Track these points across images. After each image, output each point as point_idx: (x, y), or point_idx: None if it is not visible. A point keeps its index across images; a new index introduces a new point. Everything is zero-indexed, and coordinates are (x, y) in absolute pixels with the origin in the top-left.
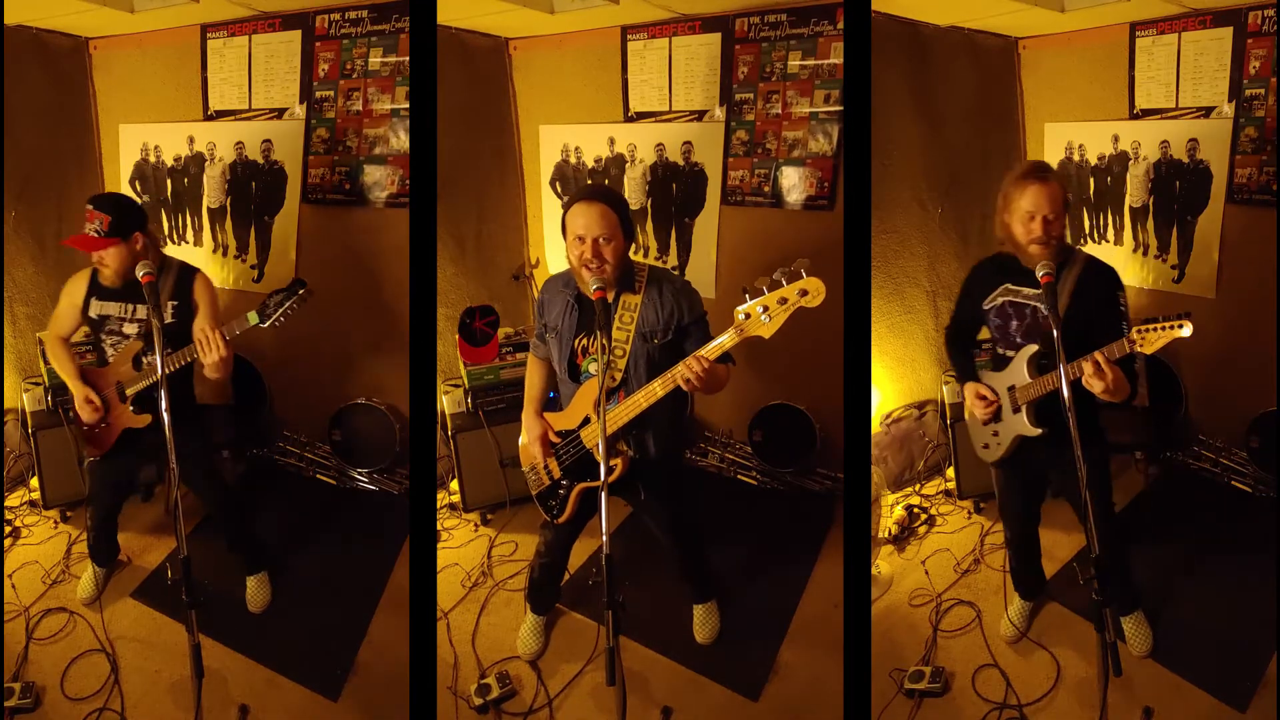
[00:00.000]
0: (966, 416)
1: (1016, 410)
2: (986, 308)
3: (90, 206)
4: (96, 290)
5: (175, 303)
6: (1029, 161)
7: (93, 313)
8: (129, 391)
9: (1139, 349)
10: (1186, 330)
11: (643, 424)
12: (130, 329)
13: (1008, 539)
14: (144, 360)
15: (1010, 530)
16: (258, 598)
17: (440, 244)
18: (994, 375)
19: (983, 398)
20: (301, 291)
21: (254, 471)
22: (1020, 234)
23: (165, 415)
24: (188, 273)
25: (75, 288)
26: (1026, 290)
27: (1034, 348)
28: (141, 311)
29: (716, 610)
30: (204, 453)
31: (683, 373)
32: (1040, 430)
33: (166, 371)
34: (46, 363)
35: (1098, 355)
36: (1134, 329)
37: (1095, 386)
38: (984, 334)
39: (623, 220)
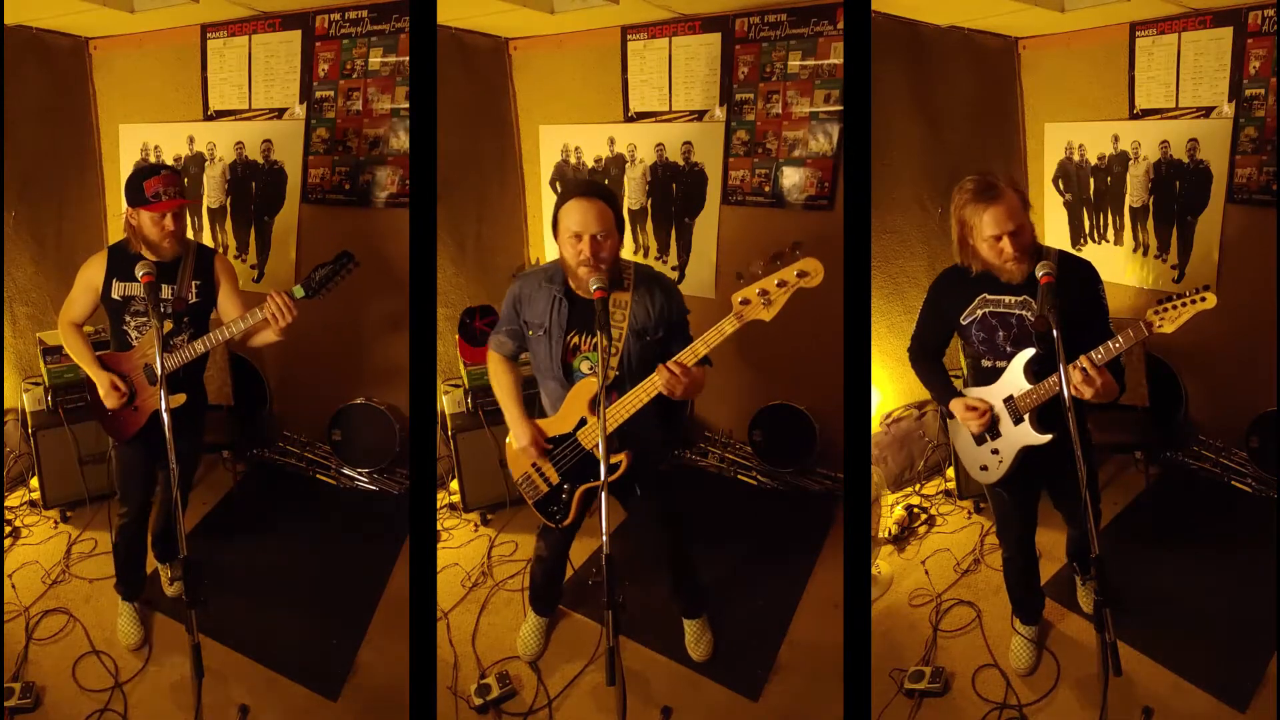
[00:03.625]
0: (953, 440)
1: (1019, 421)
2: (965, 321)
3: (165, 171)
4: (117, 270)
5: (198, 281)
6: (973, 180)
7: (115, 294)
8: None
9: (1158, 329)
10: (1210, 302)
11: (637, 422)
12: None
13: (1007, 559)
14: (173, 342)
15: (1010, 550)
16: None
17: (440, 244)
18: (982, 390)
19: (973, 409)
20: (349, 264)
21: (253, 471)
22: (991, 256)
23: (165, 416)
24: (207, 252)
25: (92, 270)
26: (1008, 298)
27: (1030, 353)
28: (166, 291)
29: (708, 626)
30: (193, 456)
31: (664, 380)
32: (1049, 436)
33: (200, 351)
34: (47, 362)
35: (1083, 361)
36: (1150, 310)
37: (1085, 393)
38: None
39: (617, 218)
